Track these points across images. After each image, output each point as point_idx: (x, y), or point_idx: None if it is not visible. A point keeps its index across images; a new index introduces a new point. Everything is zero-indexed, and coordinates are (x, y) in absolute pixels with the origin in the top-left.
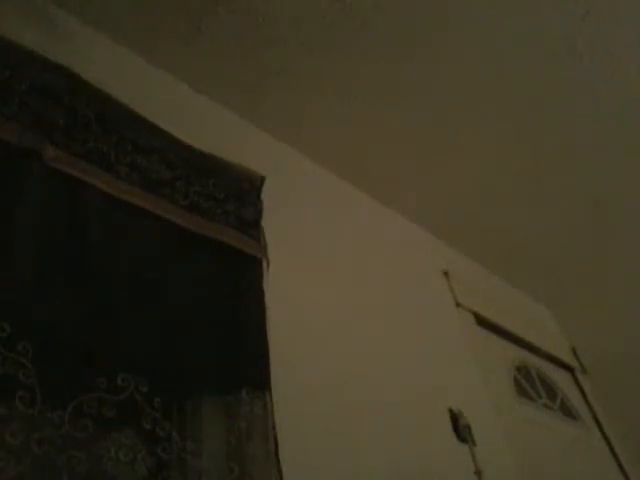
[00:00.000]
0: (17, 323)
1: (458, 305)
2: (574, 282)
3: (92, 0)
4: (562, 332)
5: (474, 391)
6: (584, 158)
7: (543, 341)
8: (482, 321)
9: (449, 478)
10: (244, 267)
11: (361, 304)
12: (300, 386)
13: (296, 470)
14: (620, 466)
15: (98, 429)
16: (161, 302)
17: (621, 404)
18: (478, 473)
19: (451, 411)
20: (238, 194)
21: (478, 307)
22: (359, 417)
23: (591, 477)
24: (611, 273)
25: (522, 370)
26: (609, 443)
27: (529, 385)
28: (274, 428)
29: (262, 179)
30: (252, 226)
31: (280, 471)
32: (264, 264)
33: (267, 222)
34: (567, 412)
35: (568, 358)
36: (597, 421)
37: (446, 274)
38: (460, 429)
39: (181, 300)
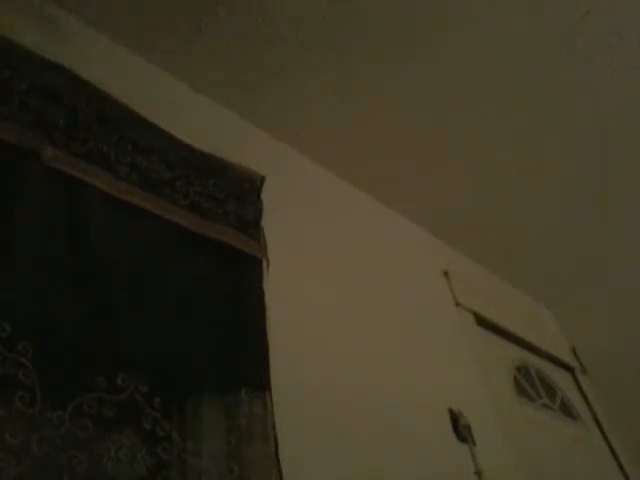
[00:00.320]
0: (17, 323)
1: (458, 305)
2: (574, 282)
3: (92, 0)
4: (562, 332)
5: (474, 391)
6: (584, 158)
7: (543, 341)
8: (482, 321)
9: (449, 478)
10: (244, 267)
11: (361, 304)
12: (300, 386)
13: (296, 470)
14: (620, 466)
15: (98, 429)
16: (161, 302)
17: (621, 404)
18: (478, 473)
19: (451, 411)
20: (238, 194)
21: (478, 307)
22: (359, 417)
23: (591, 477)
24: (611, 273)
25: (522, 370)
26: (609, 443)
27: (529, 385)
28: (274, 428)
29: (262, 179)
30: (252, 226)
31: (280, 471)
32: (264, 264)
33: (267, 222)
34: (567, 412)
35: (568, 358)
36: (597, 421)
37: (446, 274)
38: (460, 429)
39: (181, 300)
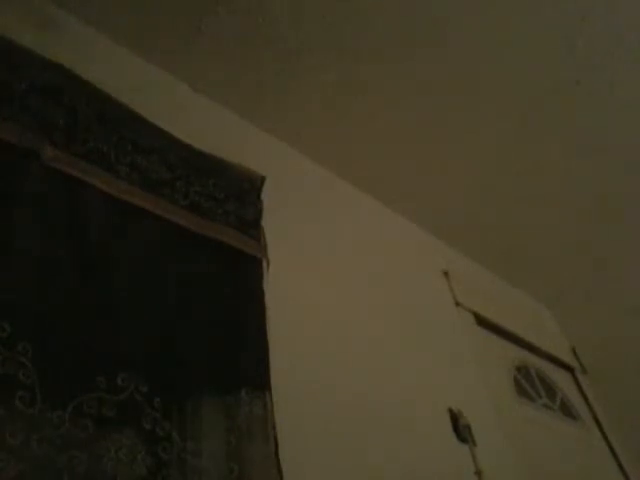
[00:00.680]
0: (17, 323)
1: (458, 305)
2: (574, 282)
3: (92, 0)
4: (562, 332)
5: (474, 391)
6: (584, 158)
7: (543, 341)
8: (482, 321)
9: (449, 478)
10: (244, 267)
11: (361, 304)
12: (300, 386)
13: (296, 470)
14: (620, 466)
15: (98, 429)
16: (161, 302)
17: (621, 404)
18: (478, 473)
19: (451, 411)
20: (238, 194)
21: (478, 307)
22: (359, 417)
23: (591, 477)
24: (611, 273)
25: (522, 370)
26: (609, 443)
27: (529, 385)
28: (274, 428)
29: (262, 179)
30: (252, 226)
31: (280, 471)
32: (264, 264)
33: (267, 222)
34: (567, 412)
35: (568, 358)
36: (597, 421)
37: (446, 274)
38: (460, 429)
39: (181, 300)
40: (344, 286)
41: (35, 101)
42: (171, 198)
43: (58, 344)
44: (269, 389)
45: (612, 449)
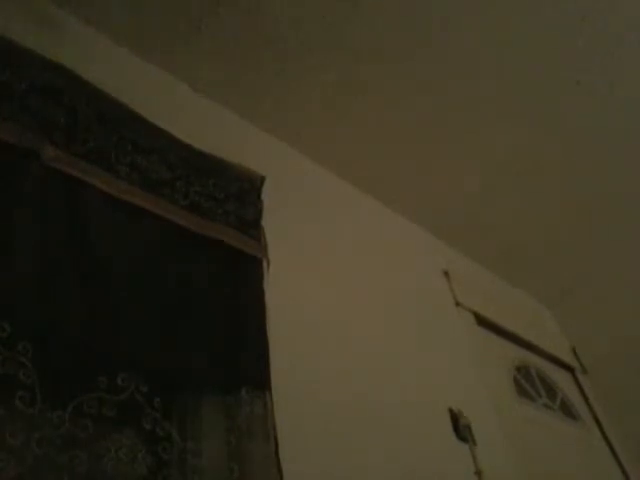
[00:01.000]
0: (17, 323)
1: (458, 305)
2: (574, 282)
3: (92, 0)
4: (562, 332)
5: (474, 391)
6: (584, 158)
7: (543, 341)
8: (482, 321)
9: (449, 478)
10: (244, 267)
11: (361, 304)
12: (300, 386)
13: (296, 470)
14: (620, 466)
15: (98, 429)
16: (161, 302)
17: (621, 404)
18: (478, 473)
19: (451, 411)
20: (238, 194)
21: (478, 307)
22: (359, 417)
23: (591, 477)
24: (611, 273)
25: (522, 370)
26: (609, 443)
27: (529, 385)
28: (274, 428)
29: (262, 179)
30: (252, 226)
31: (280, 471)
32: (264, 264)
33: (267, 222)
34: (567, 412)
35: (568, 358)
36: (597, 421)
37: (446, 274)
38: (460, 429)
39: (181, 300)
40: (344, 286)
41: (35, 101)
42: (171, 198)
43: (58, 344)
44: (269, 389)
45: (612, 449)
